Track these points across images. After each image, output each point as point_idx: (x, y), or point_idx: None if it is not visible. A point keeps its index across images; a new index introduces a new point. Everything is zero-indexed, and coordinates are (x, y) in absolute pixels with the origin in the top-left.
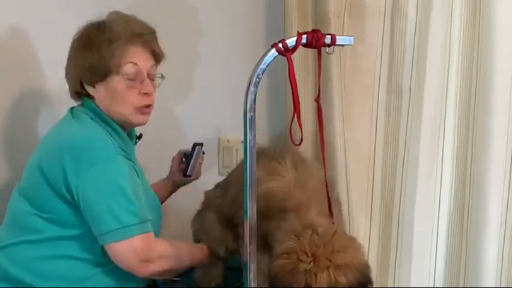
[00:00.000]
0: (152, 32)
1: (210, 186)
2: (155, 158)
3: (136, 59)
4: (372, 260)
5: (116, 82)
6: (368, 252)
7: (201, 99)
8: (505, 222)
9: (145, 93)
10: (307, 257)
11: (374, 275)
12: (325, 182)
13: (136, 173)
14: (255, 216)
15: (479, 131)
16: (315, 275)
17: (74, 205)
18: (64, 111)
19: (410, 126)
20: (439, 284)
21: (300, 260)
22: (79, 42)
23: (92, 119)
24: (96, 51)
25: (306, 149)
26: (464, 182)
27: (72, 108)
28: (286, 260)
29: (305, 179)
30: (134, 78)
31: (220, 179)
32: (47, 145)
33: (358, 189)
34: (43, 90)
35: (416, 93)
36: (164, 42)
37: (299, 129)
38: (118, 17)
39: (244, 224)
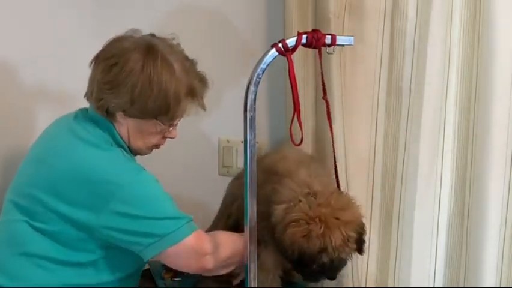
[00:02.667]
0: (206, 87)
1: (210, 186)
2: (155, 158)
3: (185, 114)
4: (372, 260)
5: (155, 126)
6: (368, 252)
7: None
8: (505, 222)
9: (169, 137)
10: (317, 221)
11: (374, 275)
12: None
13: None
14: (255, 216)
15: (479, 131)
16: (329, 236)
17: (88, 231)
18: (61, 112)
19: (410, 126)
20: (439, 284)
21: (310, 227)
22: (143, 73)
23: (107, 135)
24: (161, 97)
25: (307, 148)
26: (464, 182)
27: (80, 119)
28: (298, 227)
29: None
30: (171, 127)
31: (220, 178)
32: (59, 166)
33: (358, 189)
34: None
35: (416, 93)
36: None
37: (299, 129)
38: (183, 62)
39: (244, 223)
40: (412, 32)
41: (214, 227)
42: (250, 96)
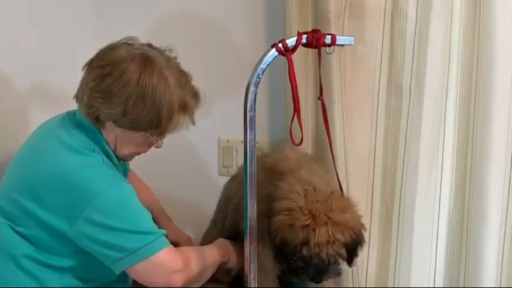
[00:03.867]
0: (199, 103)
1: (210, 186)
2: (154, 158)
3: (176, 129)
4: (372, 260)
5: (141, 137)
6: (368, 252)
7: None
8: (505, 222)
9: (155, 147)
10: (306, 213)
11: (374, 275)
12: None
13: None
14: (255, 216)
15: (479, 131)
16: (314, 230)
17: (64, 237)
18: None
19: (410, 127)
20: (439, 284)
21: (298, 217)
22: (138, 86)
23: (91, 141)
24: (154, 111)
25: (306, 148)
26: (464, 182)
27: (66, 122)
28: (286, 216)
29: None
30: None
31: (220, 178)
32: (41, 171)
33: (358, 189)
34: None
35: (416, 93)
36: (164, 42)
37: (299, 129)
38: (179, 77)
39: (244, 223)
40: (412, 32)
41: (208, 233)
42: (250, 96)
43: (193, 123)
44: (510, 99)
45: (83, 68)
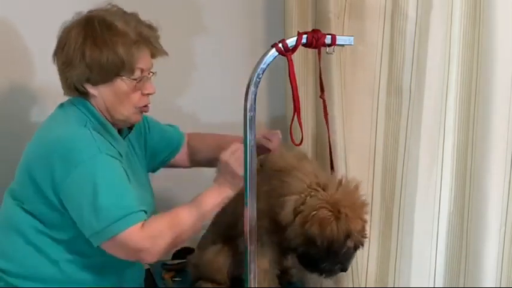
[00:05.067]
0: (156, 33)
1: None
2: None
3: (144, 63)
4: (372, 260)
5: (124, 84)
6: (368, 252)
7: (201, 98)
8: (505, 222)
9: (147, 94)
10: (338, 208)
11: (374, 275)
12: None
13: (125, 170)
14: (255, 216)
15: (479, 131)
16: (352, 221)
17: (61, 210)
18: (52, 107)
19: (410, 126)
20: (439, 284)
21: (334, 213)
22: (87, 39)
23: (83, 114)
24: (111, 52)
25: (307, 148)
26: (464, 182)
27: (61, 105)
28: (323, 215)
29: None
30: (141, 81)
31: None
32: (34, 146)
33: None
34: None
35: (416, 93)
36: (164, 43)
37: (299, 129)
38: (123, 16)
39: (245, 223)
40: (412, 32)
41: (207, 233)
42: (250, 96)
43: (165, 53)
44: (510, 99)
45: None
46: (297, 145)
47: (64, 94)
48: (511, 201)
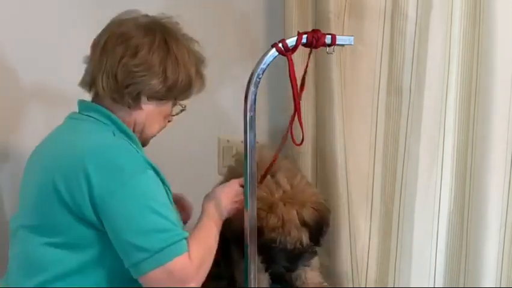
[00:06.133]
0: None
1: (210, 186)
2: (155, 158)
3: None
4: (372, 260)
5: (170, 106)
6: (368, 252)
7: (201, 99)
8: (505, 222)
9: (169, 121)
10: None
11: (374, 275)
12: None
13: (163, 182)
14: (255, 216)
15: (479, 131)
16: (265, 216)
17: (97, 227)
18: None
19: (410, 127)
20: (439, 283)
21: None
22: (170, 53)
23: (107, 125)
24: (186, 75)
25: (306, 148)
26: (464, 182)
27: (73, 117)
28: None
29: None
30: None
31: (220, 178)
32: (55, 162)
33: (358, 189)
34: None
35: (416, 93)
36: None
37: (300, 129)
38: (188, 39)
39: (245, 223)
40: (412, 32)
41: None
42: (250, 96)
43: (205, 84)
44: (510, 99)
45: (92, 55)
46: (297, 145)
47: (88, 89)
48: (511, 201)
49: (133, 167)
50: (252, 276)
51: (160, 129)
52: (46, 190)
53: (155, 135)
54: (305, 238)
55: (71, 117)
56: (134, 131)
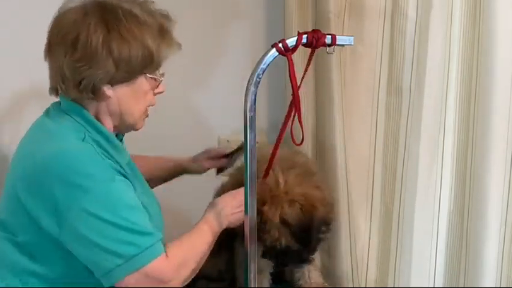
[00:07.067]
0: (174, 24)
1: (210, 186)
2: None
3: (166, 58)
4: (372, 260)
5: (146, 83)
6: (368, 252)
7: (201, 99)
8: (505, 222)
9: (158, 93)
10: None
11: (374, 275)
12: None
13: (133, 184)
14: (255, 216)
15: (479, 131)
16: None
17: (56, 239)
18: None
19: (410, 126)
20: (439, 283)
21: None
22: (112, 30)
23: (79, 125)
24: (140, 46)
25: (306, 148)
26: (464, 182)
27: (47, 112)
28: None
29: None
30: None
31: (220, 178)
32: (21, 166)
33: (358, 189)
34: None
35: (416, 93)
36: None
37: (300, 129)
38: (139, 4)
39: (245, 223)
40: (412, 31)
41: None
42: (250, 96)
43: (180, 47)
44: (510, 99)
45: (46, 59)
46: (297, 145)
47: (56, 95)
48: (511, 201)
49: (97, 175)
50: (252, 276)
51: (146, 108)
52: (12, 193)
53: (145, 117)
54: (285, 239)
55: (50, 110)
56: (115, 124)
